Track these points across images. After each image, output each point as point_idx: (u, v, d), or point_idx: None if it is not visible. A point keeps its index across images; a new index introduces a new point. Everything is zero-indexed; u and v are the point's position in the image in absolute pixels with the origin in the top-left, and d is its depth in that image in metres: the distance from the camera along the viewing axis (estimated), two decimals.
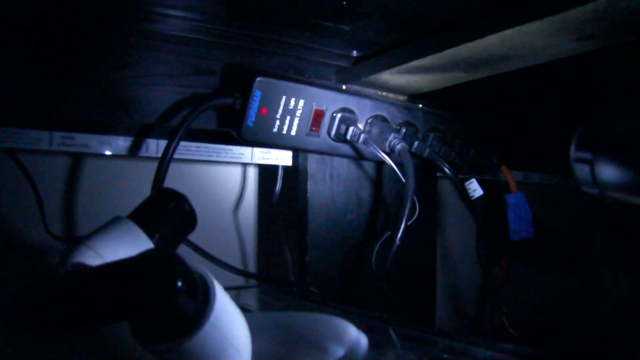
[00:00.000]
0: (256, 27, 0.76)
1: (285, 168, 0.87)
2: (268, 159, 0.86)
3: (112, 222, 0.50)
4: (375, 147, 0.74)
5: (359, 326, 0.60)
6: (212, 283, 0.37)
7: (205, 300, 0.36)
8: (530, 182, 1.17)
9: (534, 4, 0.57)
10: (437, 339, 0.56)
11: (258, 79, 0.70)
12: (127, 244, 0.46)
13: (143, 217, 0.51)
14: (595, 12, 0.54)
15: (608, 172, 0.48)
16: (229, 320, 0.37)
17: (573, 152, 0.52)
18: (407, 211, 0.71)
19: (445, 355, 0.49)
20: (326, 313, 0.49)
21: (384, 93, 0.89)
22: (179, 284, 0.34)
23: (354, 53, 0.84)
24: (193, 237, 0.63)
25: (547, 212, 1.15)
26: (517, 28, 0.59)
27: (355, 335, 0.38)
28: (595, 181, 0.50)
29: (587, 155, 0.49)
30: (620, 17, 0.54)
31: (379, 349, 0.55)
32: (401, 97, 0.91)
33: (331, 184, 0.86)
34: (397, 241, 0.70)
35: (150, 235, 0.49)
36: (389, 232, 0.74)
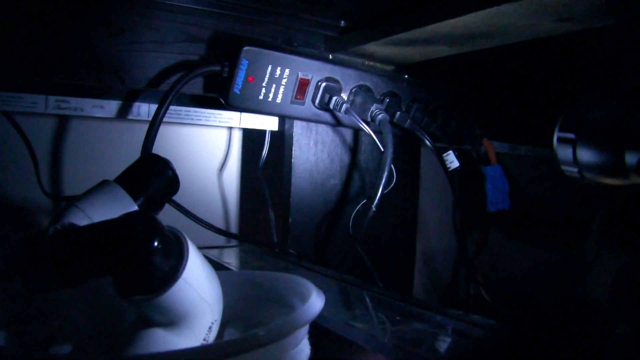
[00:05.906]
0: None
1: (271, 133, 0.89)
2: (255, 123, 0.88)
3: (101, 186, 0.53)
4: (356, 116, 0.76)
5: (333, 289, 0.63)
6: (187, 243, 0.40)
7: (178, 259, 0.39)
8: (516, 154, 1.18)
9: None
10: (411, 308, 0.58)
11: (245, 48, 0.71)
12: (113, 206, 0.50)
13: (129, 180, 0.54)
14: None
15: (588, 153, 0.51)
16: (201, 278, 0.41)
17: (557, 133, 0.54)
18: (384, 180, 0.73)
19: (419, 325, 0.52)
20: (301, 274, 0.53)
21: (371, 63, 0.90)
22: (155, 244, 0.38)
23: (342, 23, 0.85)
24: (178, 197, 0.66)
25: (531, 183, 1.17)
26: (495, 8, 0.61)
27: (314, 291, 0.42)
28: (575, 161, 0.52)
29: (570, 136, 0.52)
30: (596, 1, 0.56)
31: (352, 310, 0.58)
32: (388, 67, 0.92)
33: (315, 149, 0.88)
34: (373, 208, 0.72)
35: (135, 197, 0.52)
36: (366, 199, 0.76)
